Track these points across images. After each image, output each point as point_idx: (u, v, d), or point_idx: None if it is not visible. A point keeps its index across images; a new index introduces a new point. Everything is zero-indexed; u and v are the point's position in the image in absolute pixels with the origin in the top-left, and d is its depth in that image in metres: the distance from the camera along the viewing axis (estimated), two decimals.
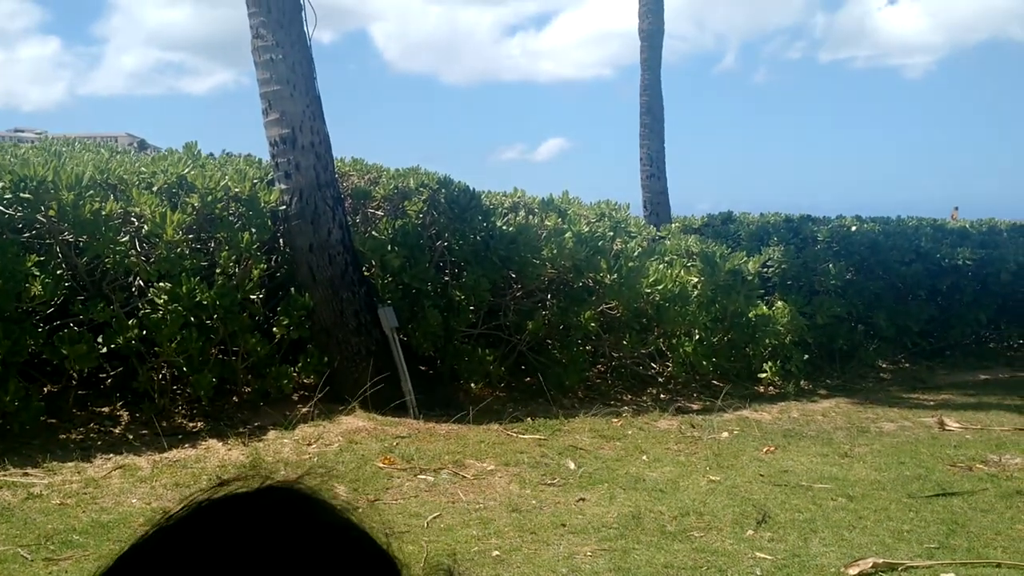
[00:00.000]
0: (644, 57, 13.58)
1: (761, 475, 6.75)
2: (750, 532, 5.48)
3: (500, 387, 9.22)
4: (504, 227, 9.13)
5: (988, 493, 6.27)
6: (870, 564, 4.92)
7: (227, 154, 8.63)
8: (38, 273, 6.69)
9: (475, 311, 9.06)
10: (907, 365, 12.24)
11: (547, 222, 9.55)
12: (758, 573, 4.84)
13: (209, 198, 7.40)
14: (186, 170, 7.61)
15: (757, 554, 5.12)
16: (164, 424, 7.10)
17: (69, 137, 10.80)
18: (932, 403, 9.83)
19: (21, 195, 6.72)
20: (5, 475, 6.06)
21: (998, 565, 4.95)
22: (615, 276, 9.46)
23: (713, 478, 6.60)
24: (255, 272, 7.53)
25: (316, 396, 7.68)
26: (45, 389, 7.34)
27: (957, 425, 8.64)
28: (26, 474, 6.12)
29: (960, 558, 5.08)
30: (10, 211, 6.82)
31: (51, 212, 6.85)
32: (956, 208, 21.94)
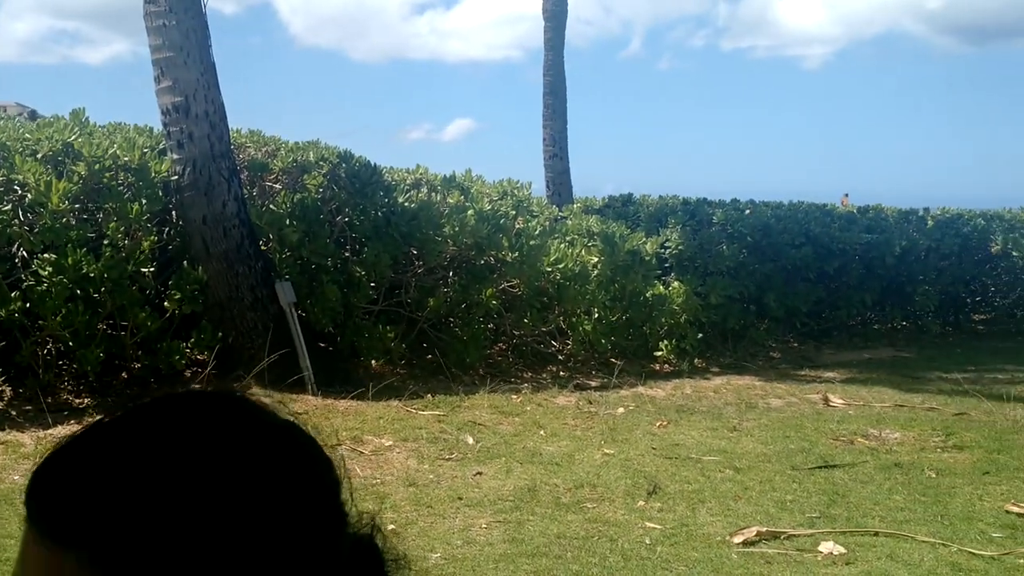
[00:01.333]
0: (548, 37, 13.64)
1: (653, 448, 6.92)
2: (641, 503, 5.63)
3: (400, 364, 9.19)
4: (406, 203, 9.08)
5: (868, 465, 6.57)
6: (754, 532, 5.11)
7: (117, 123, 8.32)
8: None
9: (376, 287, 9.01)
10: (796, 345, 12.69)
11: (449, 199, 9.54)
12: (647, 542, 4.98)
13: (97, 167, 7.14)
14: (72, 137, 7.32)
15: (647, 524, 5.27)
16: (49, 400, 6.85)
17: None
18: (818, 380, 10.22)
19: None
20: None
21: (876, 534, 5.21)
22: (516, 254, 9.53)
23: (607, 451, 6.75)
24: (145, 244, 7.32)
25: (208, 372, 7.52)
26: None
27: (841, 401, 9.02)
28: None
29: (840, 527, 5.32)
30: None
31: None
32: (846, 195, 22.81)
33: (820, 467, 6.52)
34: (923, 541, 5.06)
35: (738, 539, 5.07)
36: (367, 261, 8.76)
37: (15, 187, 6.94)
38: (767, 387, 9.77)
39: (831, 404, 8.94)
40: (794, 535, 5.15)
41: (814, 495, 5.89)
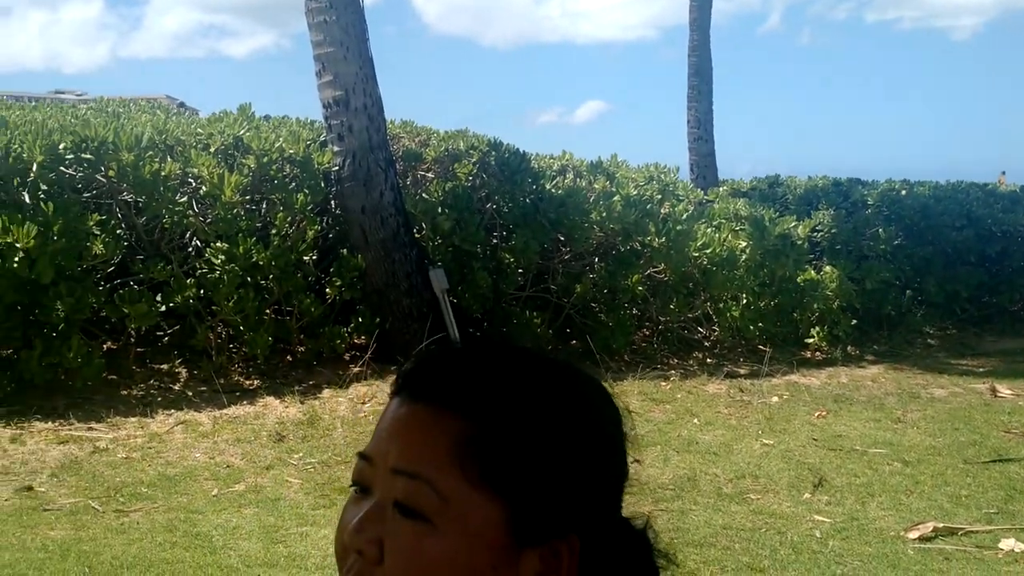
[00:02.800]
0: (693, 17, 13.38)
1: (814, 439, 6.74)
2: (807, 495, 5.50)
3: (547, 349, 9.25)
4: (553, 190, 9.11)
5: None
6: (930, 528, 4.92)
7: (281, 117, 8.67)
8: (99, 232, 6.81)
9: (523, 274, 9.08)
10: (954, 331, 12.08)
11: (595, 185, 9.52)
12: (818, 535, 4.86)
13: (264, 159, 7.46)
14: (242, 131, 7.68)
15: (815, 517, 5.14)
16: (222, 381, 7.22)
17: (108, 99, 10.89)
18: (982, 370, 9.72)
19: (82, 155, 6.82)
20: (71, 429, 6.22)
21: None
22: (663, 239, 9.42)
23: (766, 442, 6.61)
24: (309, 233, 7.60)
25: (367, 356, 7.76)
26: (105, 346, 7.49)
27: (1009, 392, 8.54)
28: (91, 428, 6.28)
29: (1020, 523, 5.05)
30: (71, 171, 6.92)
31: (111, 172, 6.95)
32: (1003, 173, 21.50)
33: (994, 461, 6.21)
34: None
35: (913, 534, 4.88)
36: (516, 248, 8.84)
37: (190, 180, 7.33)
38: (928, 376, 9.34)
39: (999, 395, 8.48)
40: (972, 531, 4.92)
41: (990, 490, 5.61)
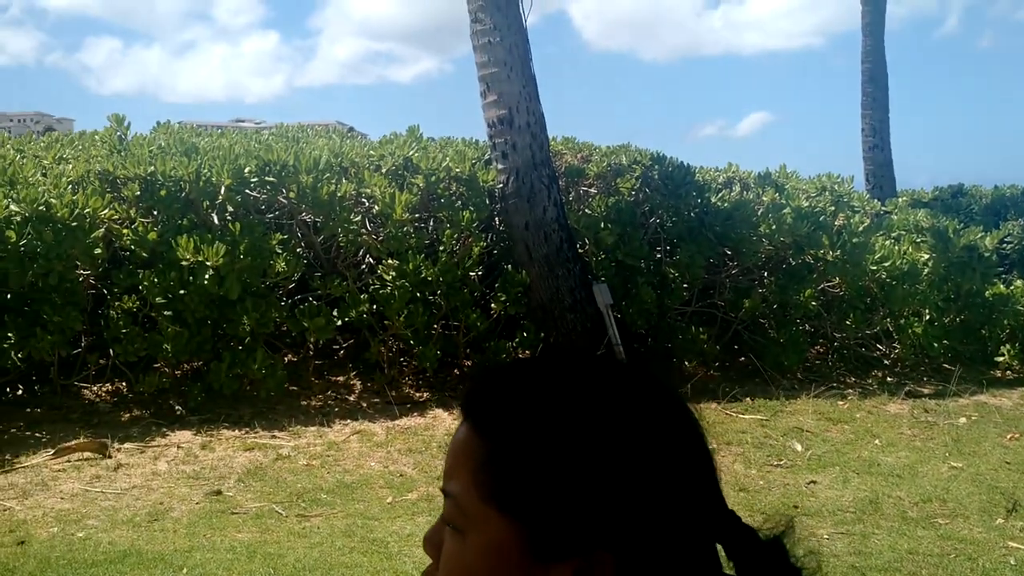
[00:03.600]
0: (866, 22, 12.84)
1: (1007, 462, 6.27)
2: (1000, 521, 5.12)
3: (714, 366, 9.04)
4: (719, 203, 8.93)
5: None
6: None
7: (447, 138, 8.90)
8: (281, 251, 7.18)
9: (688, 288, 8.92)
10: None
11: (764, 197, 9.25)
12: (1012, 563, 4.51)
13: (432, 178, 7.67)
14: (411, 152, 7.93)
15: (1010, 543, 4.77)
16: (393, 393, 7.45)
17: (287, 125, 11.48)
18: None
19: (266, 178, 7.22)
20: (256, 437, 6.56)
21: None
22: (838, 252, 9.04)
23: (954, 464, 6.20)
24: (475, 249, 7.75)
25: None
26: (286, 359, 7.87)
27: None
28: (274, 436, 6.60)
29: None
30: (255, 193, 7.34)
31: (291, 194, 7.33)
32: None
33: None
34: None
35: None
36: (680, 262, 8.70)
37: (363, 200, 7.63)
38: None
39: None
40: None
41: None
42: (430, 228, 8.03)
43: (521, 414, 0.80)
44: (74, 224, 6.53)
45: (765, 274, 9.29)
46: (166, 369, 7.20)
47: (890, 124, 12.84)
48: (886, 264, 9.31)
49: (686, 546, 0.82)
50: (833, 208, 9.57)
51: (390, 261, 7.57)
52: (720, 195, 9.11)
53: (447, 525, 0.84)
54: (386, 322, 7.67)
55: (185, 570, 4.27)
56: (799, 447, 6.60)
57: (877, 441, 6.79)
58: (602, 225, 8.49)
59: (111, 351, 6.92)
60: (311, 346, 8.06)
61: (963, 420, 7.53)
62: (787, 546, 0.86)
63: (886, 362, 9.76)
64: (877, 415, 7.63)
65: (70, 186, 6.78)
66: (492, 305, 8.07)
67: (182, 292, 6.83)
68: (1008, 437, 6.97)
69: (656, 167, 8.90)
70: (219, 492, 5.54)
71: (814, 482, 5.81)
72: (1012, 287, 9.89)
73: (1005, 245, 10.56)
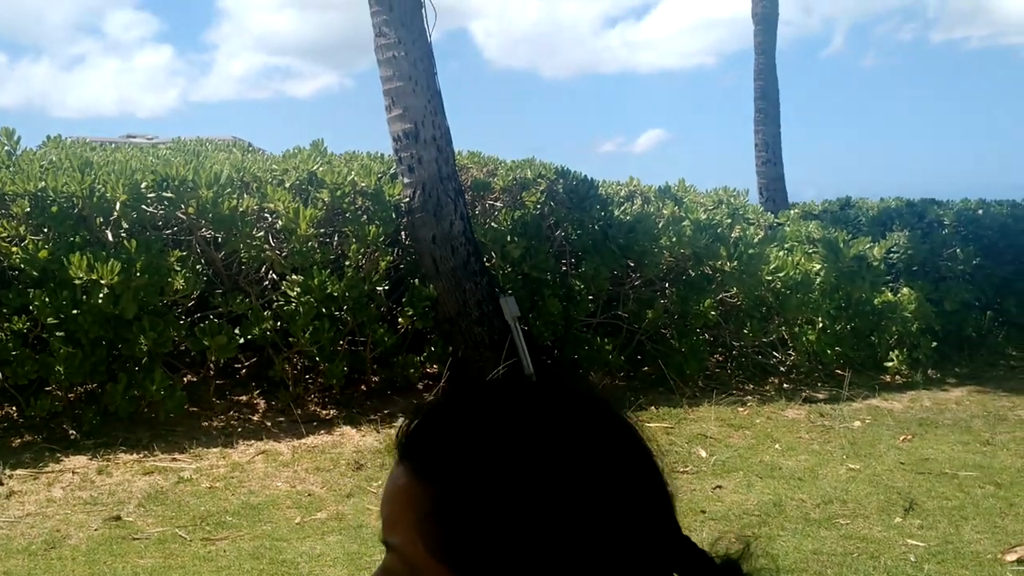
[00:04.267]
0: (758, 41, 13.30)
1: (901, 463, 6.54)
2: (898, 519, 5.32)
3: (619, 376, 9.17)
4: (622, 216, 9.09)
5: None
6: None
7: (352, 152, 8.81)
8: (179, 268, 6.97)
9: (594, 300, 9.04)
10: None
11: (664, 210, 9.46)
12: (912, 559, 4.69)
13: (338, 193, 7.58)
14: (315, 167, 7.82)
15: (908, 541, 4.97)
16: (299, 412, 7.30)
17: (185, 139, 11.20)
18: None
19: (163, 194, 7.01)
20: (156, 460, 6.34)
21: None
22: (735, 264, 9.30)
23: (852, 466, 6.43)
24: (382, 264, 7.69)
25: (441, 384, 7.79)
26: (186, 379, 7.64)
27: None
28: (174, 459, 6.39)
29: None
30: (152, 209, 7.11)
31: (190, 210, 7.13)
32: None
33: None
34: None
35: (1011, 557, 4.69)
36: (586, 275, 8.81)
37: (266, 215, 7.47)
38: (1014, 399, 9.02)
39: None
40: None
41: None
42: (335, 243, 7.92)
43: (466, 456, 0.74)
44: None
45: (667, 285, 9.48)
46: (59, 392, 6.89)
47: (781, 139, 13.32)
48: (780, 274, 9.62)
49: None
50: (730, 221, 9.85)
51: (294, 277, 7.44)
52: (623, 208, 9.27)
53: None
54: (291, 339, 7.52)
55: None
56: (703, 453, 6.74)
57: (777, 446, 6.99)
58: (508, 238, 8.54)
59: (0, 374, 6.59)
60: (212, 366, 7.84)
61: (857, 424, 7.82)
62: (743, 569, 0.84)
63: (782, 369, 10.07)
64: (776, 420, 7.86)
65: None
66: (399, 320, 8.01)
67: (75, 312, 6.57)
68: (901, 439, 7.26)
69: (561, 181, 9.01)
70: (118, 518, 5.33)
71: (719, 487, 5.94)
72: (899, 295, 10.35)
73: (892, 255, 11.02)
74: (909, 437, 7.31)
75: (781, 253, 9.86)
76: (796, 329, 9.94)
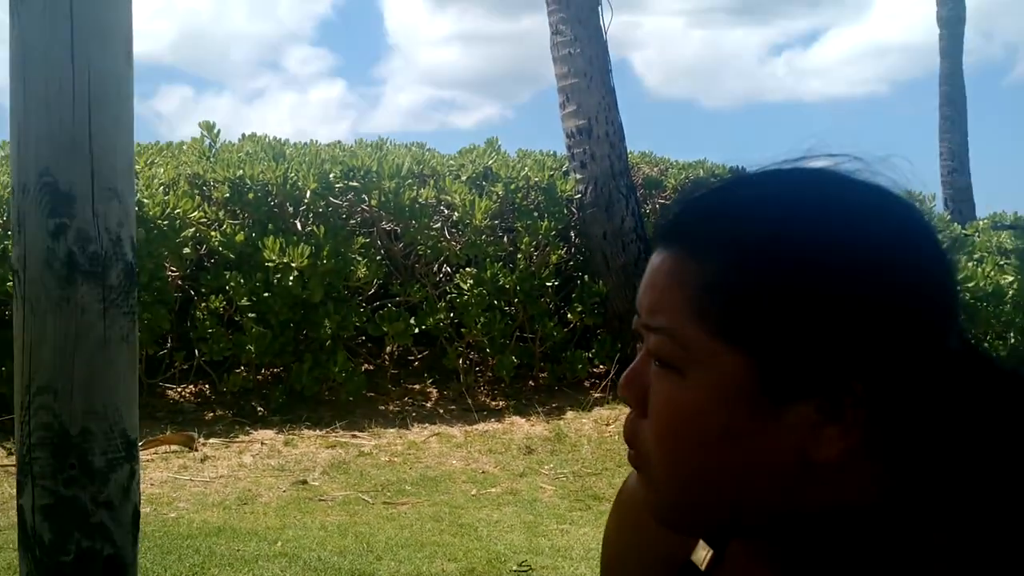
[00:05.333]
0: (943, 45, 12.70)
1: None
2: None
3: None
4: None
5: None
6: None
7: (525, 150, 8.97)
8: (362, 257, 7.25)
9: None
10: None
11: None
12: None
13: (511, 187, 7.72)
14: (490, 161, 8.00)
15: None
16: (470, 401, 7.43)
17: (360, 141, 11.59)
18: None
19: (350, 183, 7.33)
20: (338, 436, 6.59)
21: None
22: None
23: None
24: (552, 258, 7.75)
25: (608, 380, 7.75)
26: (364, 368, 7.91)
27: None
28: (354, 436, 6.62)
29: None
30: (339, 200, 7.45)
31: (373, 202, 7.42)
32: None
33: None
34: None
35: None
36: None
37: (442, 207, 7.69)
38: None
39: None
40: None
41: None
42: (508, 237, 8.05)
43: (749, 233, 0.68)
44: (164, 224, 6.69)
45: None
46: (249, 371, 7.28)
47: (968, 148, 12.65)
48: (970, 285, 9.08)
49: (935, 366, 0.69)
50: None
51: (468, 269, 7.60)
52: None
53: (656, 363, 0.71)
54: (463, 330, 7.68)
55: (280, 543, 4.27)
56: None
57: None
58: None
59: (196, 351, 7.02)
60: (388, 356, 8.09)
61: None
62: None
63: None
64: None
65: (161, 188, 6.95)
66: (568, 315, 8.04)
67: (267, 294, 6.93)
68: None
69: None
70: (305, 482, 5.56)
71: None
72: None
73: None
74: None
75: (971, 264, 9.33)
76: (986, 344, 9.35)
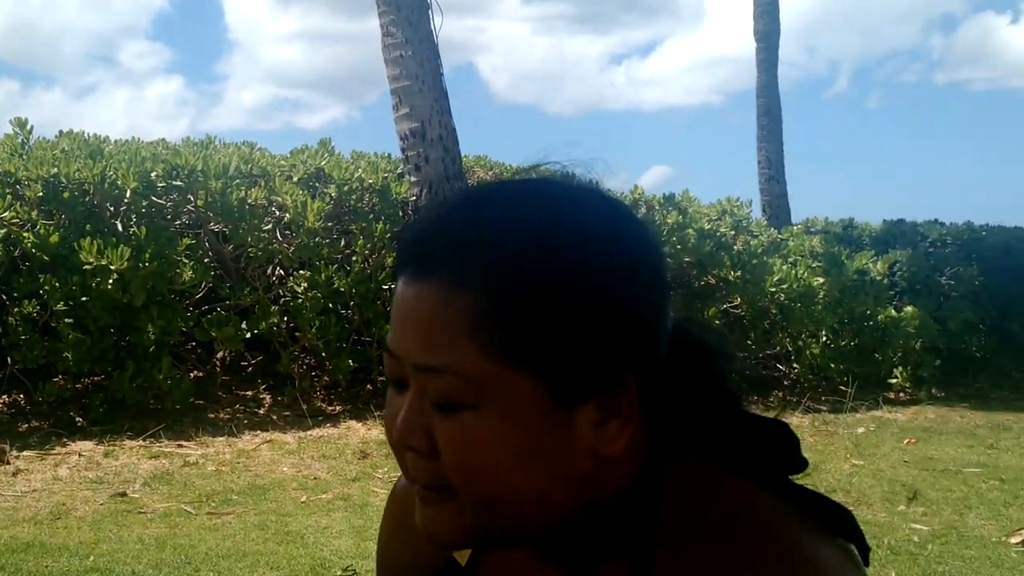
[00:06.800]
0: (760, 58, 13.46)
1: (905, 461, 6.54)
2: (902, 507, 5.33)
3: None
4: None
5: None
6: None
7: (359, 152, 8.91)
8: (187, 259, 7.01)
9: None
10: None
11: (668, 219, 9.52)
12: (916, 540, 4.70)
13: (345, 188, 7.66)
14: (323, 162, 7.91)
15: (912, 525, 4.98)
16: (305, 407, 7.31)
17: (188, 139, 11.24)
18: None
19: (173, 183, 7.08)
20: (161, 446, 6.35)
21: None
22: (739, 273, 9.36)
23: (856, 463, 6.44)
24: (388, 261, 7.73)
25: None
26: (192, 375, 7.65)
27: None
28: (180, 445, 6.40)
29: None
30: (162, 200, 7.18)
31: (199, 202, 7.19)
32: None
33: None
34: None
35: (1016, 539, 4.70)
36: None
37: (274, 208, 7.54)
38: (1020, 415, 9.01)
39: None
40: None
41: None
42: (344, 240, 7.98)
43: (508, 254, 0.69)
44: None
45: (671, 294, 9.51)
46: (66, 379, 6.91)
47: (784, 157, 13.43)
48: (784, 286, 9.66)
49: (687, 353, 0.76)
50: (733, 232, 9.92)
51: (302, 272, 7.48)
52: None
53: (437, 409, 0.70)
54: (297, 334, 7.55)
55: (92, 558, 4.09)
56: None
57: None
58: None
59: (8, 359, 6.61)
60: (218, 362, 7.86)
61: (861, 429, 7.83)
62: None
63: (786, 383, 10.08)
64: None
65: None
66: None
67: (84, 298, 6.61)
68: (905, 442, 7.28)
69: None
70: (124, 494, 5.33)
71: None
72: (903, 312, 10.36)
73: (895, 273, 11.05)
74: (913, 440, 7.32)
75: (785, 266, 9.91)
76: (800, 343, 9.97)
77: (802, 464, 0.81)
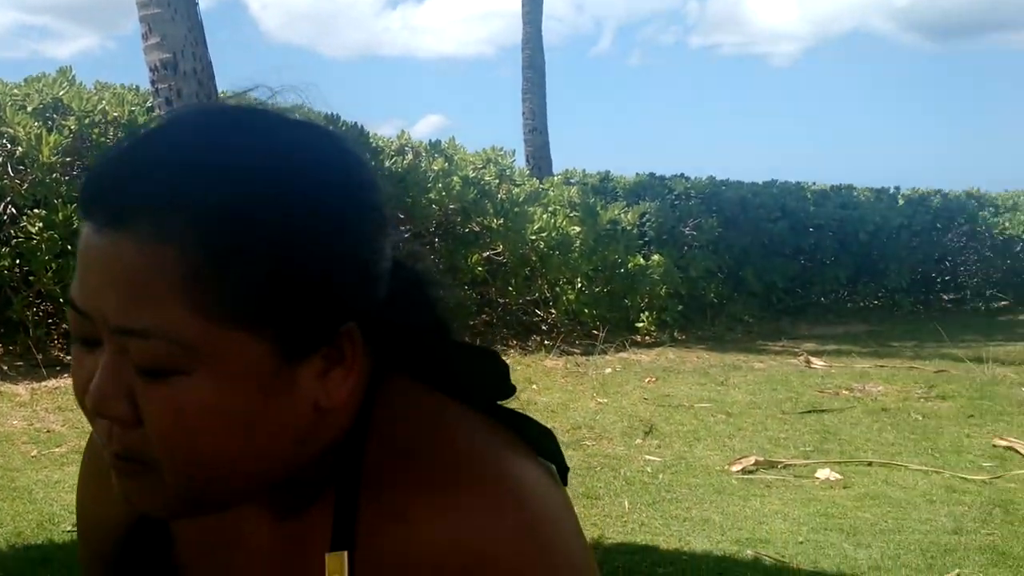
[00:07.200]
0: (526, 11, 13.72)
1: (645, 398, 7.03)
2: (638, 441, 5.74)
3: None
4: (392, 168, 9.11)
5: (855, 410, 6.73)
6: (752, 461, 5.24)
7: (104, 83, 8.25)
8: None
9: None
10: (772, 321, 12.84)
11: (434, 166, 9.59)
12: (649, 471, 5.09)
13: (86, 121, 7.11)
14: (61, 92, 7.28)
15: (646, 457, 5.37)
16: (41, 356, 6.80)
17: None
18: (797, 350, 10.38)
19: None
20: None
21: (869, 464, 5.35)
22: (501, 221, 9.59)
23: (600, 400, 6.85)
24: None
25: None
26: None
27: (822, 364, 9.19)
28: None
29: (834, 458, 5.45)
30: None
31: None
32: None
33: (809, 412, 6.67)
34: (916, 469, 5.21)
35: (736, 467, 5.19)
36: None
37: (4, 141, 6.89)
38: (748, 355, 9.90)
39: (812, 365, 9.10)
40: (791, 464, 5.27)
41: (806, 434, 6.02)
42: (83, 177, 7.42)
43: (213, 202, 0.61)
44: None
45: (436, 240, 9.62)
46: None
47: (547, 110, 13.84)
48: (543, 234, 10.03)
49: (403, 286, 0.74)
50: (498, 181, 10.14)
51: (36, 211, 6.90)
52: (393, 161, 9.31)
53: (142, 375, 0.62)
54: (31, 278, 6.98)
55: None
56: None
57: (535, 386, 7.31)
58: None
59: None
60: None
61: (608, 370, 8.32)
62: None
63: (544, 327, 10.52)
64: (535, 368, 8.21)
65: None
66: None
67: None
68: (646, 381, 7.80)
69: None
70: None
71: None
72: (650, 261, 11.05)
73: (644, 223, 11.73)
74: (653, 380, 7.86)
75: (545, 215, 10.27)
76: (557, 289, 10.41)
77: (510, 390, 0.80)
